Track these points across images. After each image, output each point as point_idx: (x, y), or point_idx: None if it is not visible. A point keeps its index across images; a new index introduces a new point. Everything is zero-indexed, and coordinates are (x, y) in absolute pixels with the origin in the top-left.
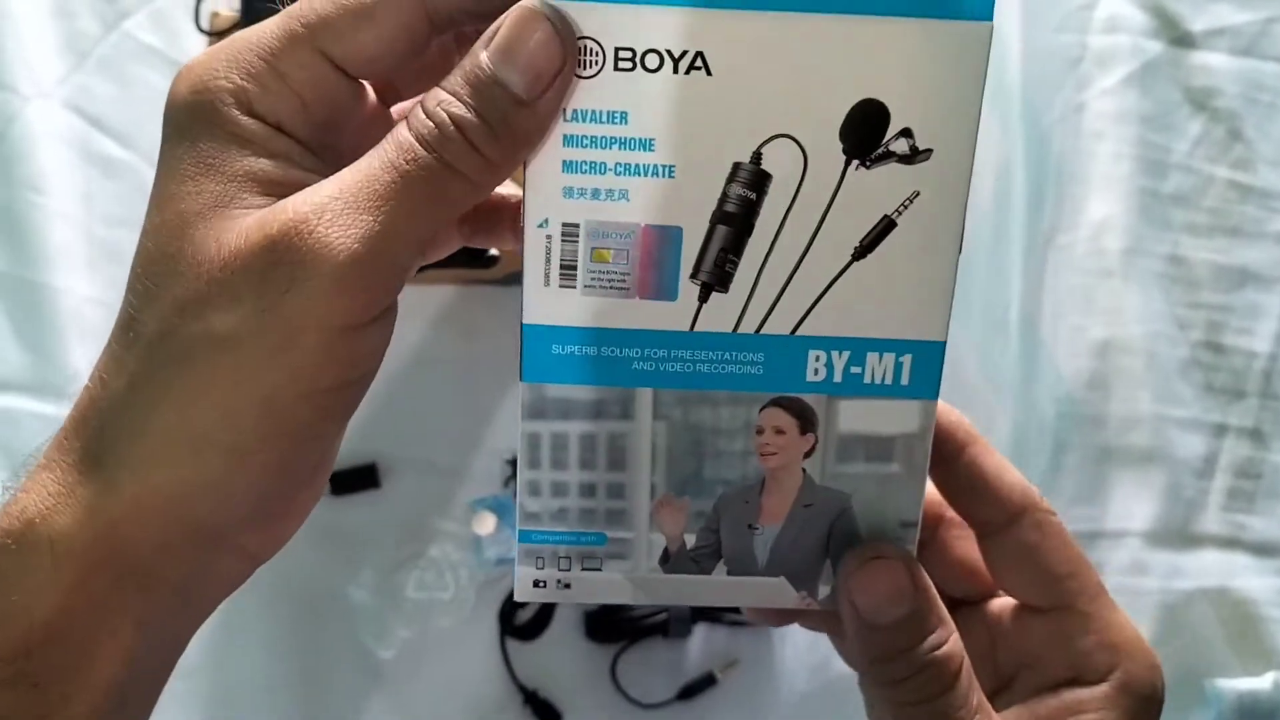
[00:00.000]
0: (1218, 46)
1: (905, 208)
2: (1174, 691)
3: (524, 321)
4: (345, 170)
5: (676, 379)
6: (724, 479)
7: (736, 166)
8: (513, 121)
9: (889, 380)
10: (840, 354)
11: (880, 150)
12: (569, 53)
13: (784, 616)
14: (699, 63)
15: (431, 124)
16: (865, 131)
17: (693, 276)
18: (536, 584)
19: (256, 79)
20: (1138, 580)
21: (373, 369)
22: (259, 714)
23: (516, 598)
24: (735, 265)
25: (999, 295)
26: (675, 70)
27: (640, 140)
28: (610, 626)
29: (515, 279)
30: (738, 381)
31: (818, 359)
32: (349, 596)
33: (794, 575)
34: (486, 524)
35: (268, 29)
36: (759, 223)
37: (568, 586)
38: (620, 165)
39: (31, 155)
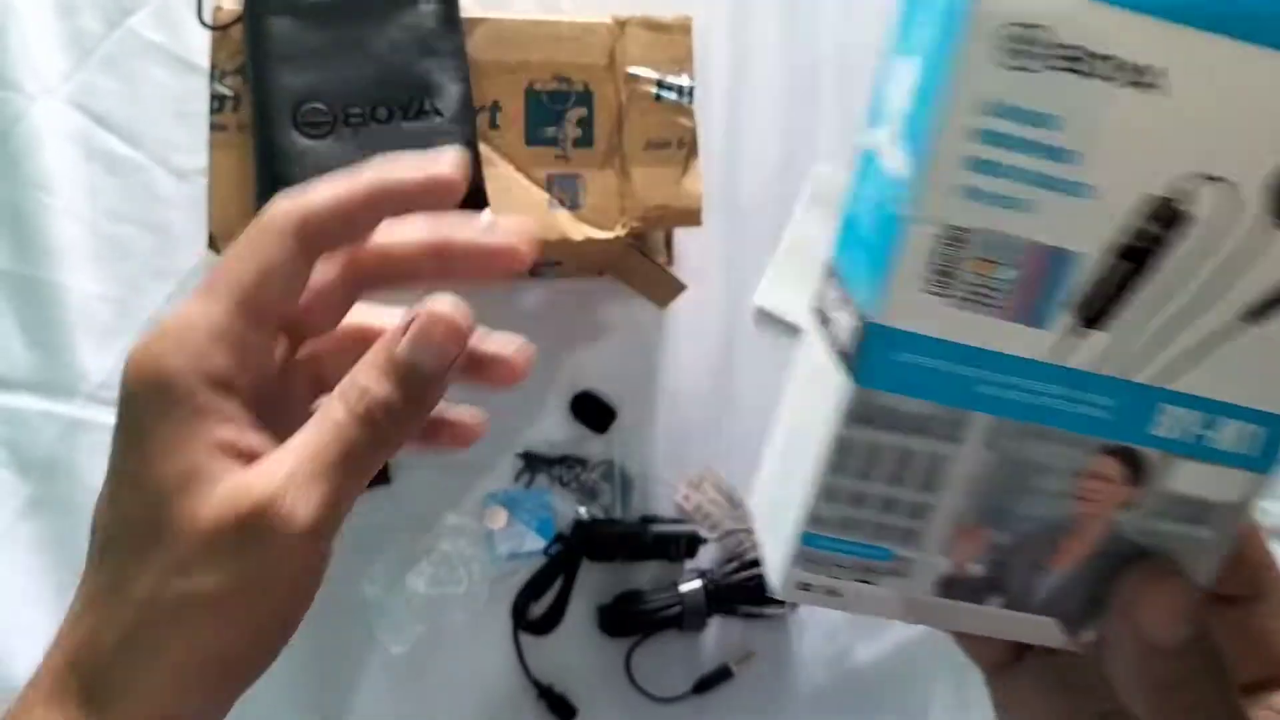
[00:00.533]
0: None
1: None
2: None
3: (876, 320)
4: (293, 445)
5: (1019, 409)
6: (1032, 516)
7: (1161, 201)
8: (427, 396)
9: (1234, 449)
10: (1196, 414)
11: None
12: (466, 333)
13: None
14: (1160, 81)
15: (362, 406)
16: None
17: (1077, 308)
18: (803, 586)
19: (205, 355)
20: None
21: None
22: (276, 709)
23: (780, 595)
24: (1121, 305)
25: None
26: (1129, 84)
27: (1067, 151)
28: (624, 620)
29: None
30: (1082, 423)
31: (1172, 415)
32: (362, 593)
33: (1066, 617)
34: (499, 518)
35: (199, 306)
36: (1161, 263)
37: (836, 594)
38: (1036, 174)
39: (37, 153)
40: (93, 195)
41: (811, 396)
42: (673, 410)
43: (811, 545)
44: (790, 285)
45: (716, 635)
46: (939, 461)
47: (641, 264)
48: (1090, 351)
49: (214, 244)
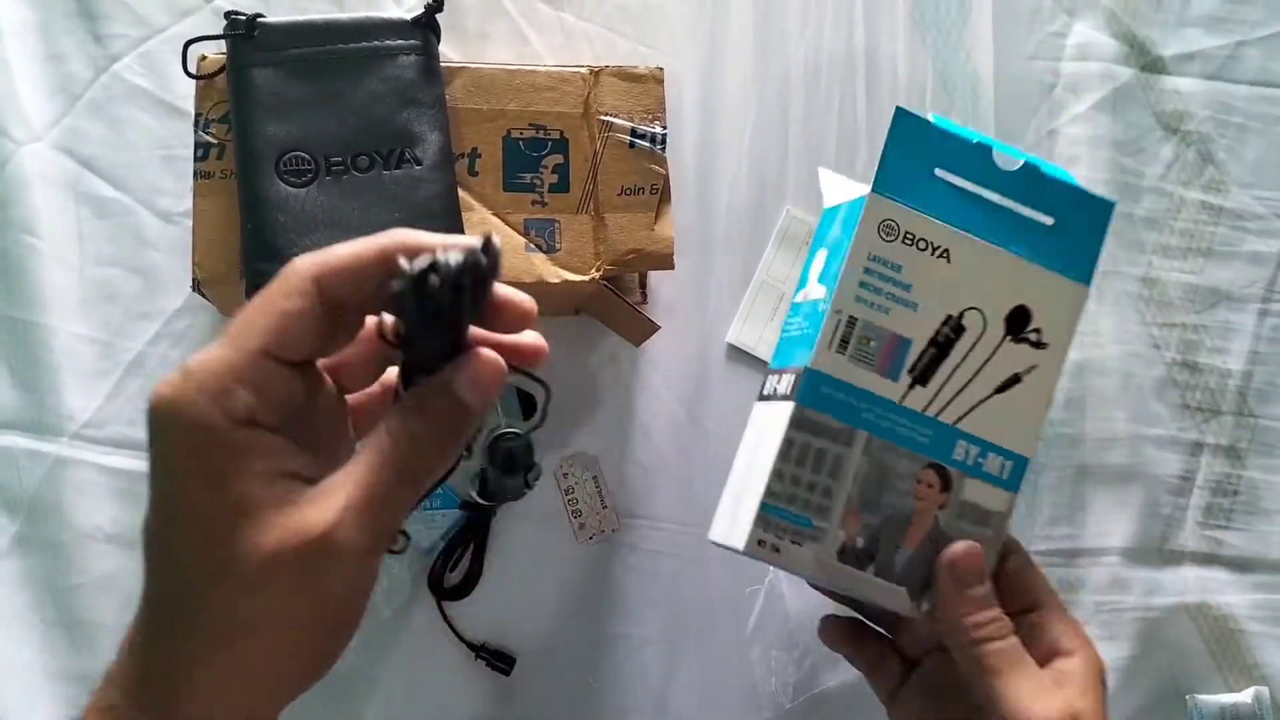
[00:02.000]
0: (1188, 71)
1: (1028, 372)
2: (1156, 707)
3: (809, 366)
4: (344, 478)
5: (881, 430)
6: (892, 506)
7: (949, 317)
8: (469, 425)
9: (997, 474)
10: (975, 448)
11: (1023, 335)
12: (500, 387)
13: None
14: (946, 255)
15: (407, 439)
16: (1018, 322)
17: (910, 370)
18: (759, 542)
19: (226, 394)
20: (1118, 597)
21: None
22: None
23: (741, 549)
24: (934, 373)
25: None
26: (933, 254)
27: (904, 283)
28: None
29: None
30: (915, 444)
31: (962, 447)
32: None
33: (911, 588)
34: None
35: (219, 352)
36: (953, 352)
37: (777, 551)
38: (889, 294)
39: (24, 198)
40: (79, 239)
41: (767, 424)
42: (646, 444)
43: (766, 512)
44: (759, 321)
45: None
46: (839, 459)
47: (616, 305)
48: (919, 399)
49: (198, 288)
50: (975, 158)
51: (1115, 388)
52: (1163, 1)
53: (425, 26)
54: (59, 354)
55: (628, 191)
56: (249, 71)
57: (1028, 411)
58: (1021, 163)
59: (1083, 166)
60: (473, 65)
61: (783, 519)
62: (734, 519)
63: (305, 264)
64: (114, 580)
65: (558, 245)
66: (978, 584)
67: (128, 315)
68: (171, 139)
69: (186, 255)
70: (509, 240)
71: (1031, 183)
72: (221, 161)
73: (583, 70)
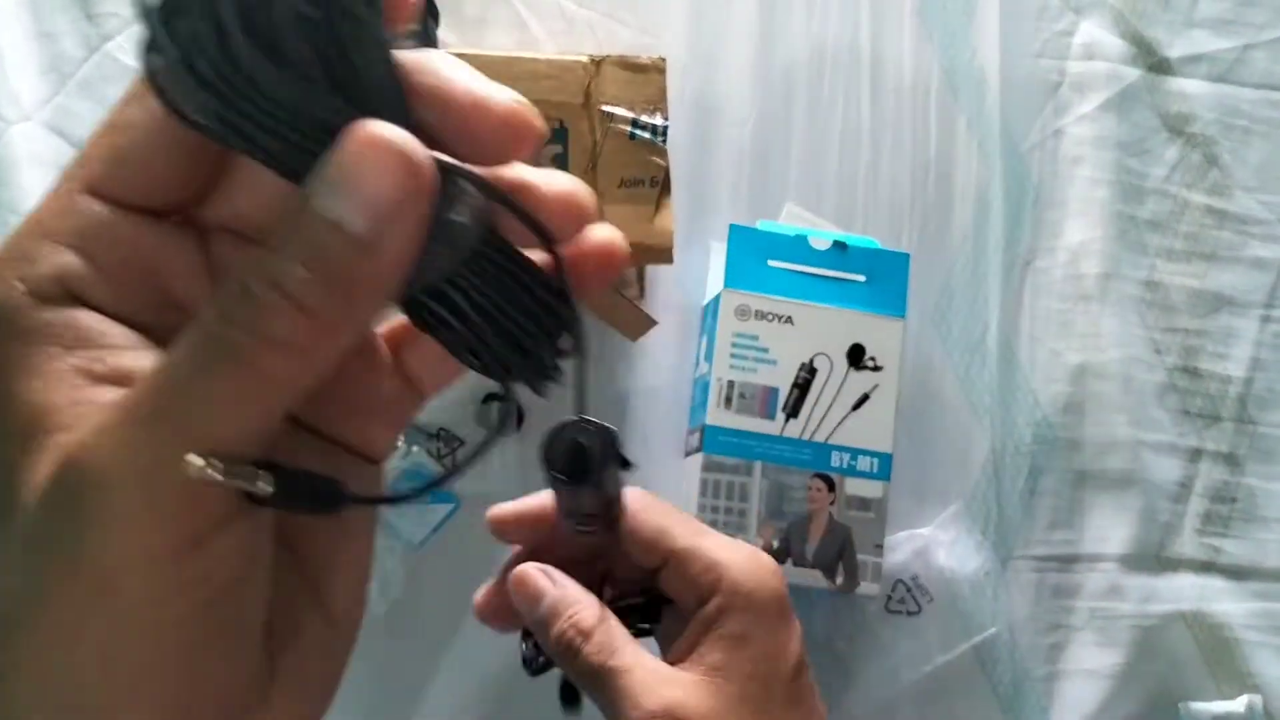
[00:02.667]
0: (1195, 73)
1: (873, 390)
2: (1149, 715)
3: (707, 423)
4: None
5: (773, 457)
6: (793, 513)
7: (803, 364)
8: (351, 270)
9: (869, 470)
10: (846, 455)
11: (862, 364)
12: (421, 181)
13: None
14: (790, 320)
15: (237, 287)
16: (856, 356)
17: (783, 409)
18: None
19: (33, 258)
20: (1113, 604)
21: (255, 567)
22: None
23: None
24: (801, 407)
25: (977, 318)
26: (779, 322)
27: (762, 347)
28: None
29: None
30: (800, 462)
31: (837, 455)
32: None
33: (824, 569)
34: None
35: (39, 204)
36: (813, 389)
37: None
38: (754, 357)
39: (14, 178)
40: None
41: (692, 472)
42: (642, 440)
43: None
44: None
45: None
46: (745, 486)
47: (613, 299)
48: (795, 428)
49: None
50: (796, 245)
51: (1115, 392)
52: (1170, 2)
53: (424, 11)
54: None
55: (628, 183)
56: None
57: (880, 419)
58: (830, 242)
59: (1087, 167)
60: (472, 52)
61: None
62: None
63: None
64: None
65: None
66: (530, 610)
67: None
68: None
69: None
70: None
71: (842, 254)
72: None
73: (584, 59)
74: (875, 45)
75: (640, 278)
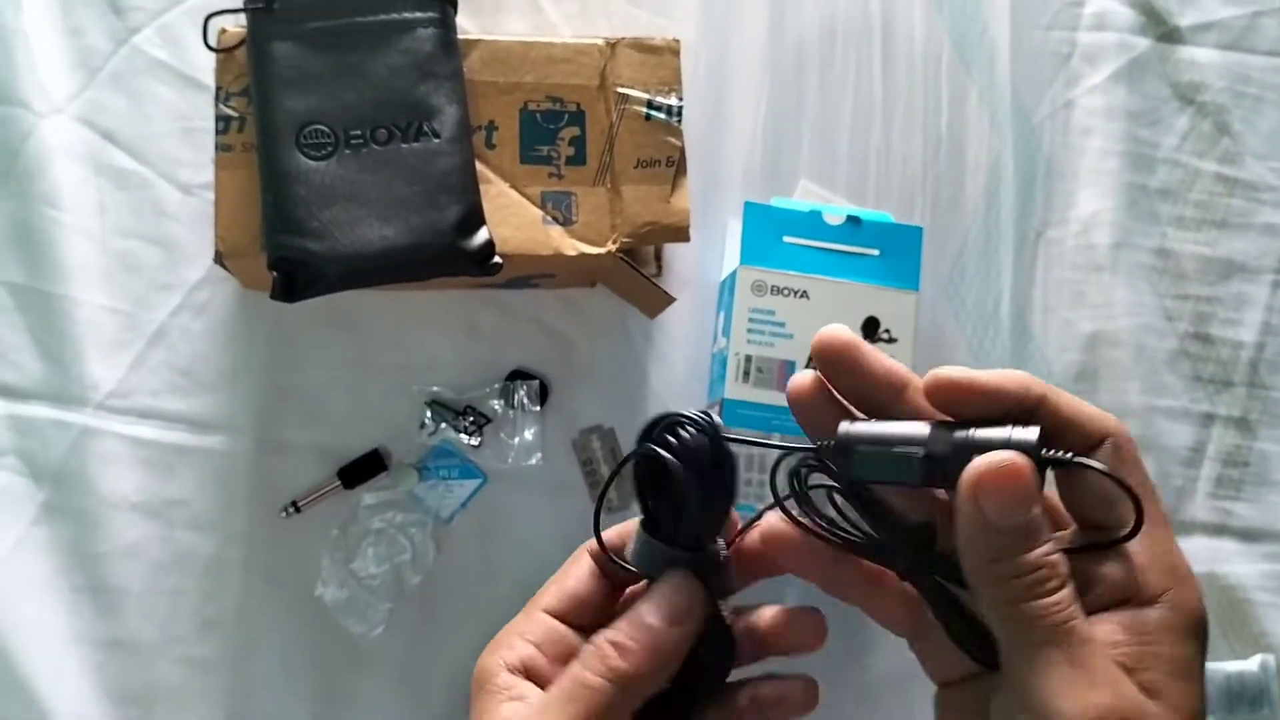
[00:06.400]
0: (1205, 41)
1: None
2: None
3: (726, 397)
4: (543, 701)
5: (790, 429)
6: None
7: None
8: (673, 659)
9: None
10: None
11: (877, 337)
12: (698, 606)
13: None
14: (805, 294)
15: (605, 667)
16: (871, 328)
17: None
18: None
19: (510, 649)
20: None
21: None
22: (275, 705)
23: None
24: None
25: (990, 289)
26: (795, 296)
27: (778, 322)
28: None
29: (516, 283)
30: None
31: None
32: (322, 600)
33: None
34: (410, 480)
35: (517, 618)
36: None
37: None
38: (770, 332)
39: (46, 171)
40: (101, 211)
41: None
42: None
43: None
44: None
45: None
46: (763, 459)
47: (632, 277)
48: None
49: (220, 260)
50: (810, 221)
51: (1128, 360)
52: None
53: None
54: (82, 325)
55: (644, 164)
56: (269, 44)
57: None
58: (844, 217)
59: (1098, 138)
60: (489, 38)
61: (740, 511)
62: None
63: (586, 546)
64: (138, 547)
65: (575, 218)
66: (1013, 513)
67: (150, 286)
68: (190, 111)
69: (206, 227)
70: (526, 213)
71: (855, 229)
72: (242, 135)
73: (599, 42)
74: (886, 20)
75: (658, 256)
